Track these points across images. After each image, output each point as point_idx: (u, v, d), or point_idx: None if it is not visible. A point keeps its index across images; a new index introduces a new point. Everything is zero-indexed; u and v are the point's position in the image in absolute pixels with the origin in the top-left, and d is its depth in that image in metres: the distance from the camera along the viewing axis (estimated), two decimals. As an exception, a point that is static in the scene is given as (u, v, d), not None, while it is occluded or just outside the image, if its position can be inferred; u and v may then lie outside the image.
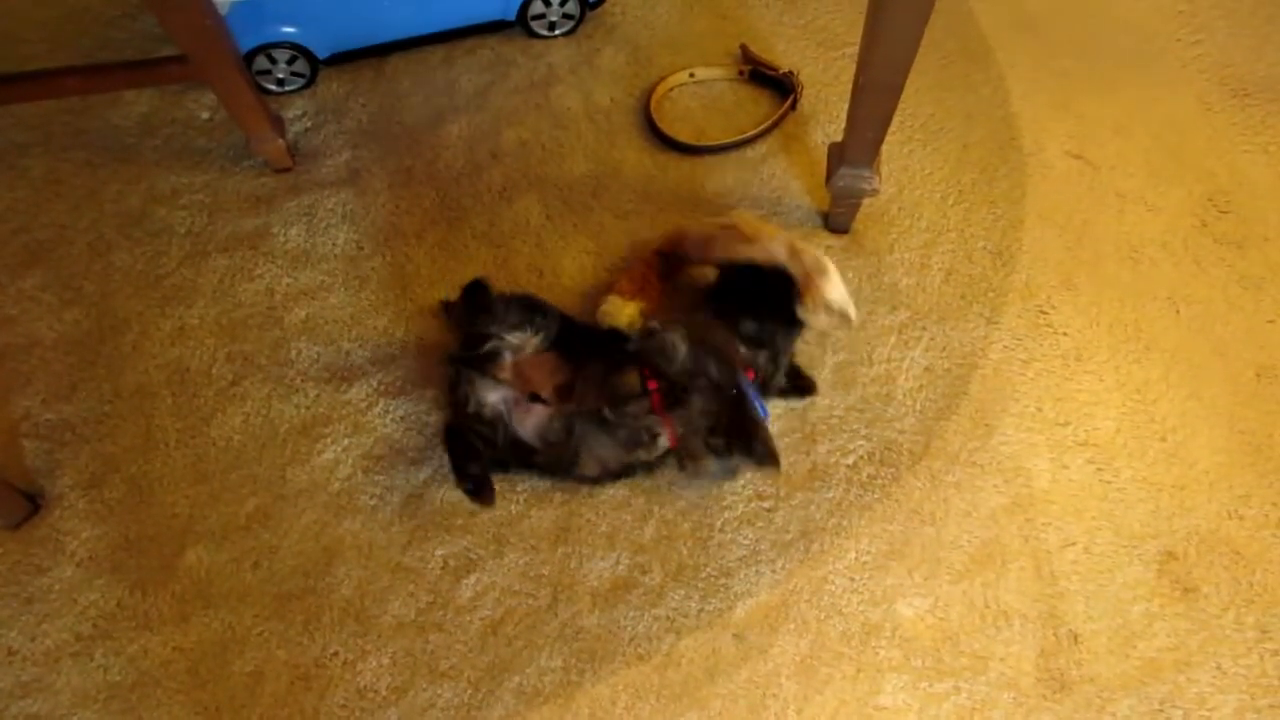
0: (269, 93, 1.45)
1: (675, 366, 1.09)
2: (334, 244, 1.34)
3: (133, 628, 1.10)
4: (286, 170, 1.39)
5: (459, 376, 1.11)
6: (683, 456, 1.11)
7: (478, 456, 1.08)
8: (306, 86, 1.47)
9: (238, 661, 1.08)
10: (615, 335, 1.17)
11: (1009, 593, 1.10)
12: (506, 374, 1.11)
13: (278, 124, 1.34)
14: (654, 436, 1.10)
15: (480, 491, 1.07)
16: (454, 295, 1.27)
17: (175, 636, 1.09)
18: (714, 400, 1.08)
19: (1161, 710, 1.03)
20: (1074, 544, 1.13)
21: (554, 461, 1.12)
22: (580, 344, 1.15)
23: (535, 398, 1.09)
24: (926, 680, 1.06)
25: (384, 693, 1.06)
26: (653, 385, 1.09)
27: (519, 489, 1.16)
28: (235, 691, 1.06)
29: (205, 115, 1.44)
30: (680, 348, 1.09)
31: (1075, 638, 1.07)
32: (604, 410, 1.08)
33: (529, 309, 1.15)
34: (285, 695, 1.06)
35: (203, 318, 1.28)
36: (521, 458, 1.12)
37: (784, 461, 1.17)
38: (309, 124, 1.44)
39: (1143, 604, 1.09)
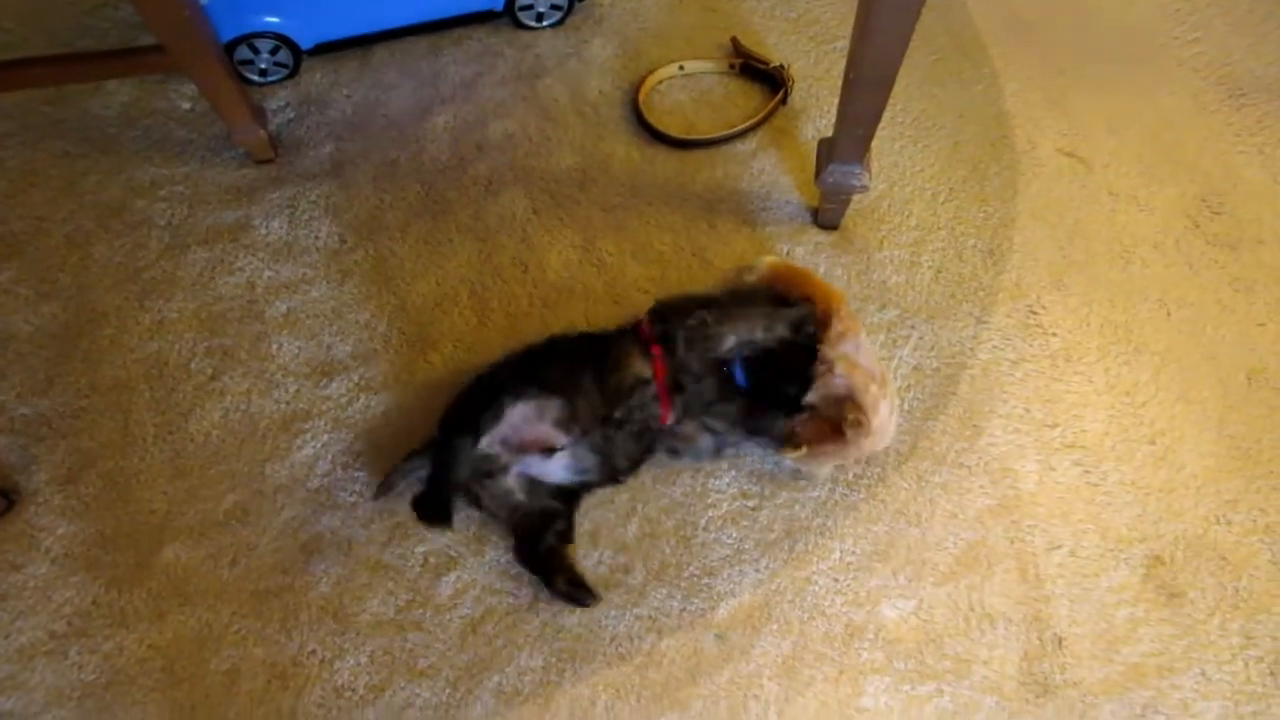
0: (251, 83, 1.43)
1: (715, 353, 1.09)
2: (316, 237, 1.32)
3: (108, 625, 1.08)
4: (268, 162, 1.37)
5: (476, 495, 1.10)
6: (672, 440, 1.11)
7: (558, 568, 1.08)
8: (289, 77, 1.44)
9: (214, 659, 1.07)
10: (589, 338, 1.16)
11: (994, 595, 1.09)
12: (506, 456, 1.08)
13: (260, 115, 1.32)
14: (656, 425, 1.09)
15: (576, 598, 1.07)
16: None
17: (151, 634, 1.08)
18: (721, 387, 1.09)
19: (1144, 716, 1.02)
20: (1060, 547, 1.12)
21: (607, 480, 1.12)
22: (557, 365, 1.10)
23: (549, 451, 1.07)
24: (909, 683, 1.05)
25: (362, 691, 1.05)
26: (656, 350, 1.08)
27: (501, 487, 1.15)
28: (211, 690, 1.05)
29: (186, 106, 1.42)
30: (728, 340, 1.09)
31: (1060, 641, 1.07)
32: (615, 414, 1.07)
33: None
34: (262, 694, 1.05)
35: (182, 311, 1.26)
36: (578, 496, 1.12)
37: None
38: (292, 115, 1.42)
39: (1128, 608, 1.08)
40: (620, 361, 1.08)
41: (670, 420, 1.09)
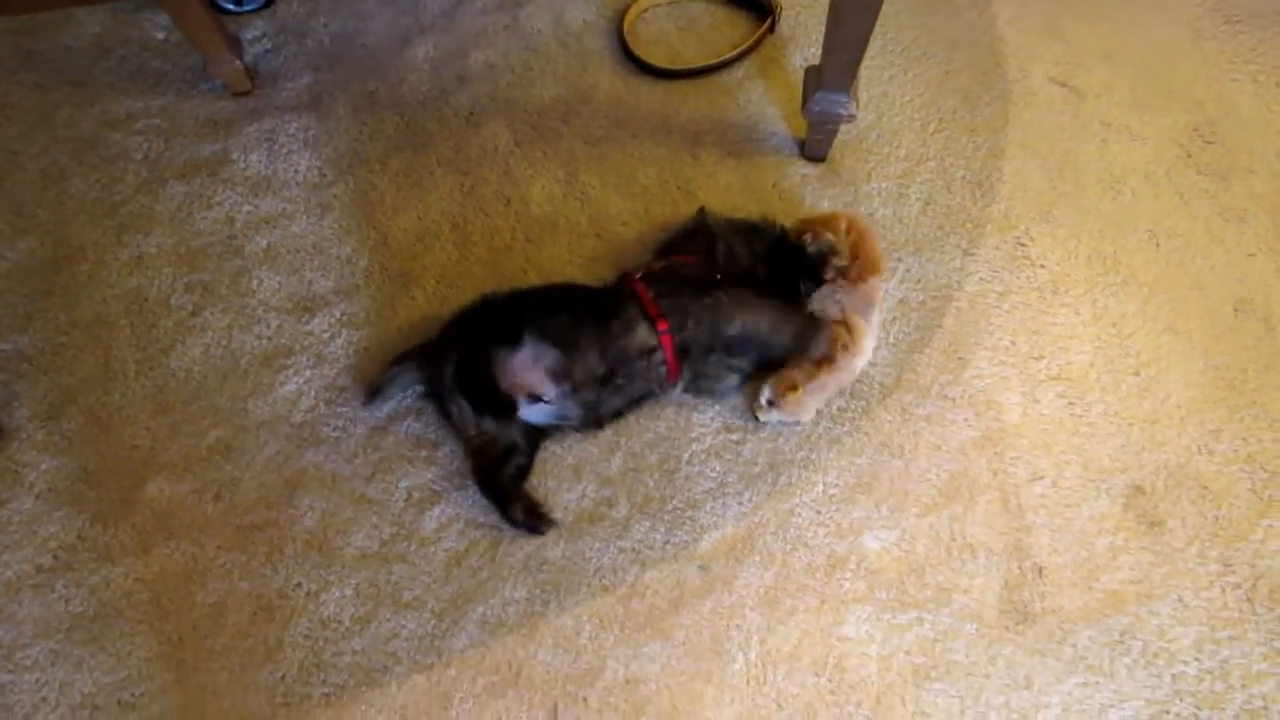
0: (226, 12, 1.39)
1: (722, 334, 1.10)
2: (296, 170, 1.30)
3: (94, 559, 1.09)
4: (246, 94, 1.34)
5: (449, 406, 1.09)
6: (698, 388, 1.13)
7: (516, 497, 1.08)
8: (266, 6, 1.41)
9: (200, 593, 1.07)
10: (585, 290, 1.15)
11: (976, 526, 1.10)
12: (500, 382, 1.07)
13: (235, 45, 1.29)
14: (664, 388, 1.11)
15: (535, 528, 1.08)
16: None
17: (137, 568, 1.09)
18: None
19: (1121, 641, 1.03)
20: (1042, 478, 1.12)
21: (586, 426, 1.12)
22: (560, 317, 1.09)
23: (535, 399, 1.06)
24: (890, 612, 1.06)
25: (347, 623, 1.06)
26: (663, 326, 1.07)
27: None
28: (198, 622, 1.06)
29: (160, 36, 1.39)
30: (734, 324, 1.10)
31: (1040, 570, 1.07)
32: (616, 379, 1.07)
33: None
34: (248, 626, 1.06)
35: (161, 246, 1.25)
36: (546, 436, 1.13)
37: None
38: (269, 45, 1.39)
39: (1108, 537, 1.09)
40: (626, 328, 1.07)
41: (679, 381, 1.10)
